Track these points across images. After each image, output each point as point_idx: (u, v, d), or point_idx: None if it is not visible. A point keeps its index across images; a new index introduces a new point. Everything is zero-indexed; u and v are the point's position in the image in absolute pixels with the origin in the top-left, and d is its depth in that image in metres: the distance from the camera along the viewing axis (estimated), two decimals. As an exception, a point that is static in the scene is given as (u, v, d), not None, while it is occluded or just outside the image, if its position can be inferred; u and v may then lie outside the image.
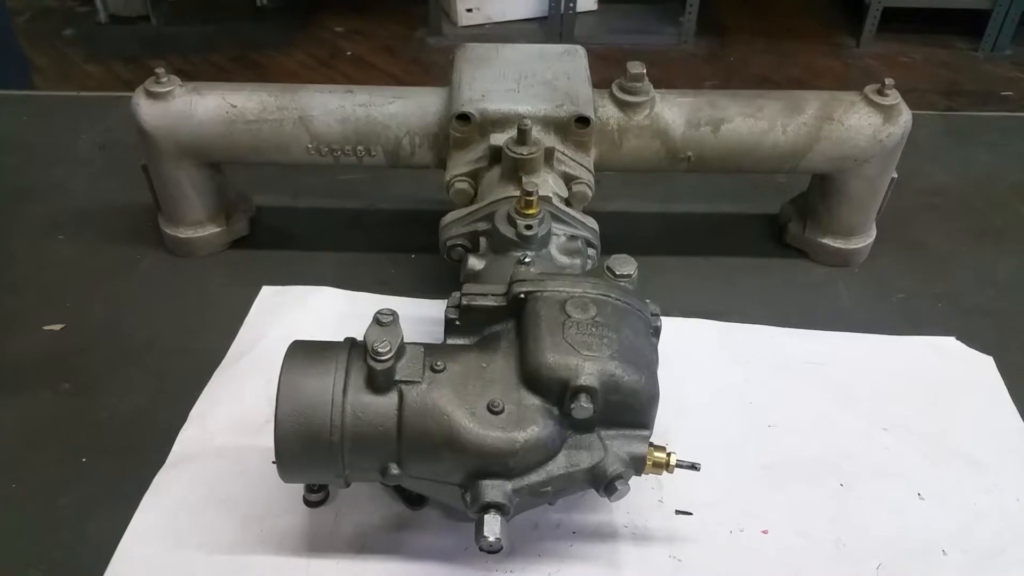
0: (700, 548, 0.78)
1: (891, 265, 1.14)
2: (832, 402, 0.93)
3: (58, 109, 1.44)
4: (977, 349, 1.01)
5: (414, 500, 0.79)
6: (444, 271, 0.95)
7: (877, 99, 1.01)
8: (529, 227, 0.82)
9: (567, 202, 0.94)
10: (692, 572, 0.76)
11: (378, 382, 0.68)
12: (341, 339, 0.97)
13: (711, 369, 0.97)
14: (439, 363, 0.70)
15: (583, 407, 0.66)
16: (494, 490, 0.67)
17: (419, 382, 0.68)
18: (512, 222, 0.83)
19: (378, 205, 1.23)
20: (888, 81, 1.01)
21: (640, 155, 1.02)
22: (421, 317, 1.02)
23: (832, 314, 1.07)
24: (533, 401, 0.68)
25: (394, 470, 0.69)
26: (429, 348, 0.71)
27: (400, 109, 1.01)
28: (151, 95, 0.99)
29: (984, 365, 0.99)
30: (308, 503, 0.79)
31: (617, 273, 0.76)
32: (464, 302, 0.75)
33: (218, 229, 1.11)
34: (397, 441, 0.68)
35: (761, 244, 1.18)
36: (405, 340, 0.70)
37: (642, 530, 0.79)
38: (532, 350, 0.69)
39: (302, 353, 0.71)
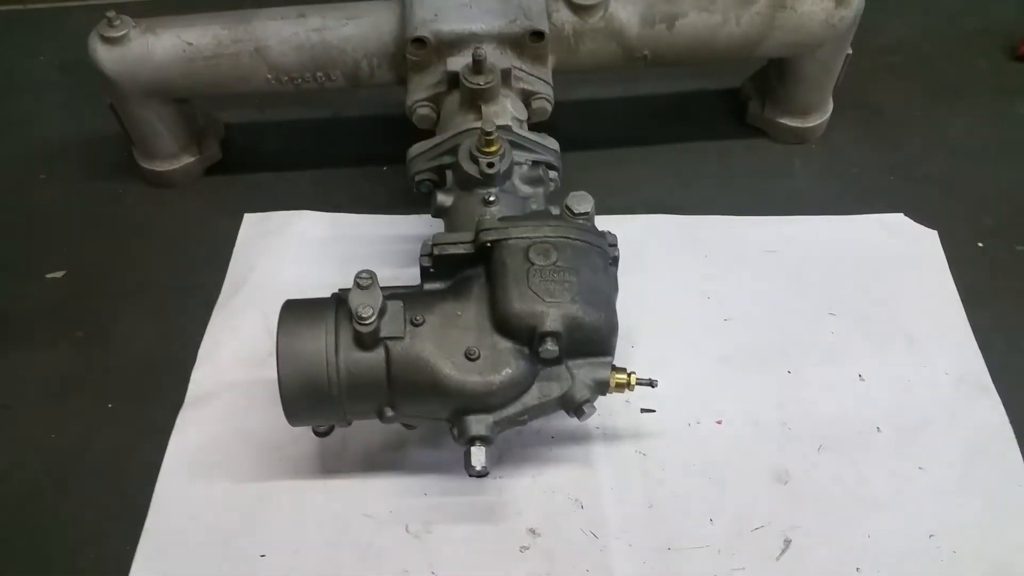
0: (662, 441, 0.89)
1: (846, 138, 1.18)
2: (784, 290, 1.01)
3: (9, 26, 1.40)
4: (925, 221, 1.08)
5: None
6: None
7: (830, -18, 1.01)
8: (491, 164, 0.86)
9: (529, 119, 0.97)
10: (655, 464, 0.87)
11: (365, 341, 0.75)
12: (326, 266, 1.05)
13: (672, 266, 1.03)
14: (418, 317, 0.77)
15: (549, 349, 0.74)
16: (477, 424, 0.76)
17: (402, 337, 0.76)
18: (475, 159, 0.86)
19: (344, 112, 1.24)
20: (842, -37, 1.00)
21: (597, 57, 1.04)
22: (397, 235, 1.08)
23: (789, 195, 1.12)
24: (505, 344, 0.76)
25: (388, 412, 0.78)
26: (408, 300, 0.78)
27: (355, 31, 1.01)
28: (106, 40, 0.99)
29: (929, 240, 1.05)
30: (317, 434, 0.88)
31: (575, 211, 0.81)
32: (436, 252, 0.80)
33: (192, 159, 1.14)
34: (388, 389, 0.76)
35: (723, 124, 1.21)
36: (385, 287, 0.76)
37: (612, 430, 0.90)
38: (501, 299, 0.76)
39: (294, 317, 0.78)
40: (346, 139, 1.21)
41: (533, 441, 0.89)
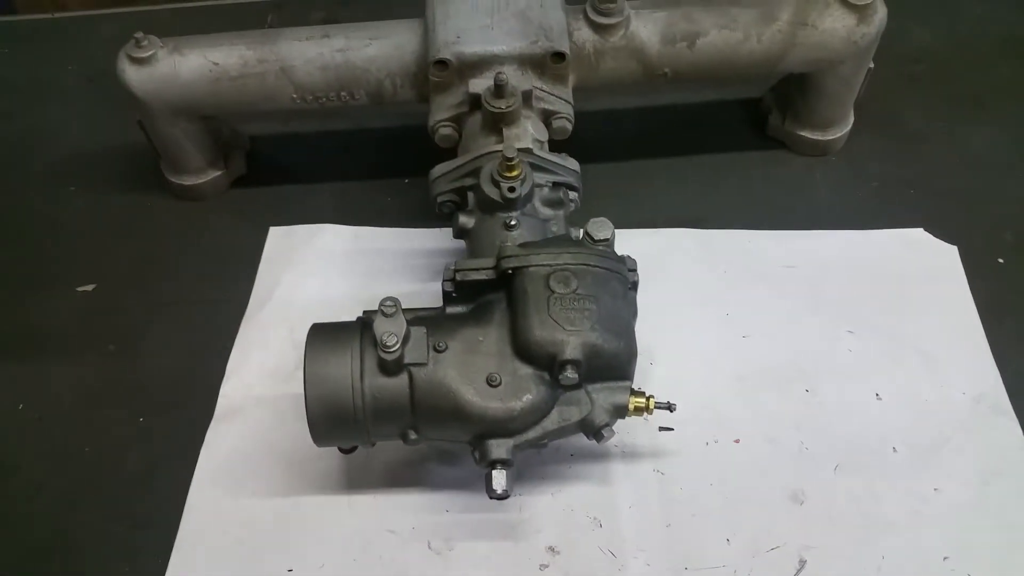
0: (680, 460, 0.90)
1: (867, 150, 1.18)
2: (803, 306, 1.02)
3: (38, 36, 1.43)
4: (945, 235, 1.08)
5: (432, 438, 0.91)
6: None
7: (852, -1, 1.01)
8: (512, 189, 0.87)
9: (549, 138, 0.98)
10: (674, 483, 0.89)
11: (389, 368, 0.77)
12: (350, 280, 1.07)
13: (691, 282, 1.04)
14: (441, 343, 0.78)
15: (569, 376, 0.76)
16: (498, 448, 0.78)
17: (425, 364, 0.77)
18: (496, 183, 0.88)
19: (366, 124, 1.25)
20: (864, -21, 1.00)
21: (618, 75, 1.04)
22: (419, 249, 1.10)
23: (809, 209, 1.12)
24: (526, 370, 0.78)
25: (412, 435, 0.80)
26: (431, 326, 0.80)
27: (378, 52, 1.02)
28: (134, 60, 1.01)
29: (948, 256, 1.06)
30: (342, 451, 0.91)
31: (596, 238, 0.82)
32: (458, 278, 0.82)
33: (219, 173, 1.16)
34: (412, 414, 0.78)
35: (743, 135, 1.21)
36: (408, 309, 0.79)
37: (630, 448, 0.91)
38: (521, 327, 0.77)
39: (320, 342, 0.80)
40: (369, 151, 1.23)
41: (552, 458, 0.91)
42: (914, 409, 0.93)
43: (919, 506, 0.86)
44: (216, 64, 1.01)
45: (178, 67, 1.01)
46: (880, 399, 0.94)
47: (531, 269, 0.80)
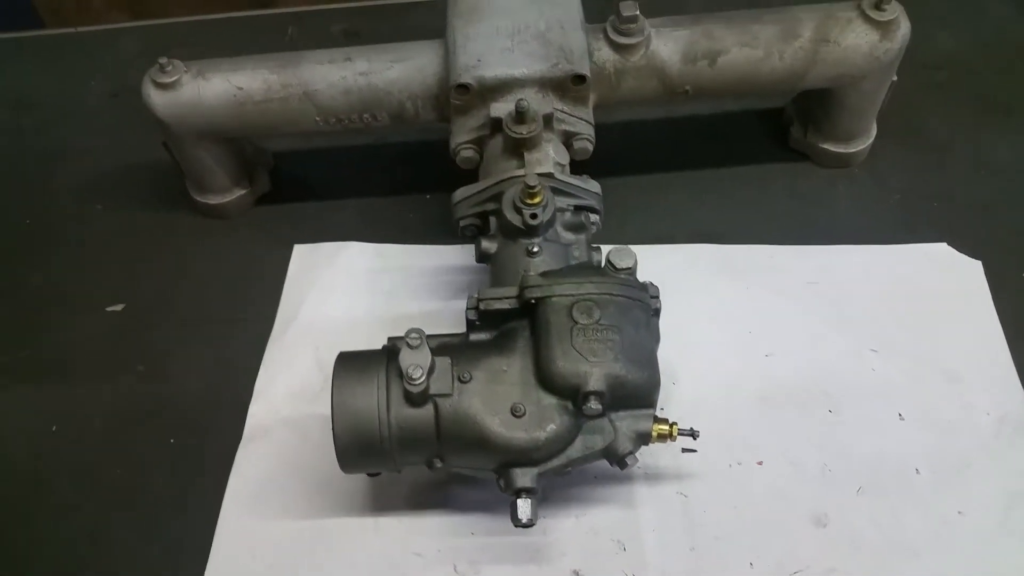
0: (703, 483, 0.91)
1: (890, 162, 1.17)
2: (825, 324, 1.01)
3: (60, 52, 1.44)
4: (969, 250, 1.07)
5: (457, 461, 0.92)
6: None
7: (874, 15, 1.00)
8: (534, 216, 0.87)
9: (571, 160, 0.99)
10: (697, 505, 0.90)
11: (415, 400, 0.78)
12: (374, 298, 1.08)
13: (713, 299, 1.04)
14: (466, 374, 0.79)
15: (592, 408, 0.77)
16: (523, 476, 0.79)
17: (450, 395, 0.79)
18: (518, 210, 0.88)
19: (388, 139, 1.26)
20: (888, -7, 0.99)
21: (638, 94, 1.04)
22: (442, 267, 1.11)
23: (831, 222, 1.12)
24: (550, 400, 0.79)
25: (438, 464, 0.81)
26: (455, 356, 0.81)
27: (400, 74, 1.02)
28: (159, 85, 1.02)
29: (972, 271, 1.05)
30: (369, 474, 0.92)
31: (618, 267, 0.83)
32: (482, 307, 0.83)
33: (244, 191, 1.17)
34: (437, 443, 0.80)
35: (765, 147, 1.21)
36: (432, 336, 0.80)
37: (653, 470, 0.92)
38: (545, 358, 0.78)
39: (347, 371, 0.81)
40: (390, 166, 1.24)
41: (577, 481, 0.92)
42: (937, 430, 0.93)
43: (942, 530, 0.86)
44: (240, 89, 1.02)
45: (202, 92, 1.02)
46: (903, 420, 0.94)
47: (554, 299, 0.80)
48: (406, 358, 0.78)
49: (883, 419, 0.94)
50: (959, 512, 0.87)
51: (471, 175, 1.01)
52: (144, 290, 1.13)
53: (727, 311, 1.04)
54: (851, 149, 1.14)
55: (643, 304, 0.83)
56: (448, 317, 1.05)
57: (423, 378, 0.77)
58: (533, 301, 0.81)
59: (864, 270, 1.06)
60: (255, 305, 1.09)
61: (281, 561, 0.89)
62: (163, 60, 1.02)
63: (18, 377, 1.05)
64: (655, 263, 1.06)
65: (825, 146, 1.15)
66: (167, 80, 1.02)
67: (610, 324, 0.79)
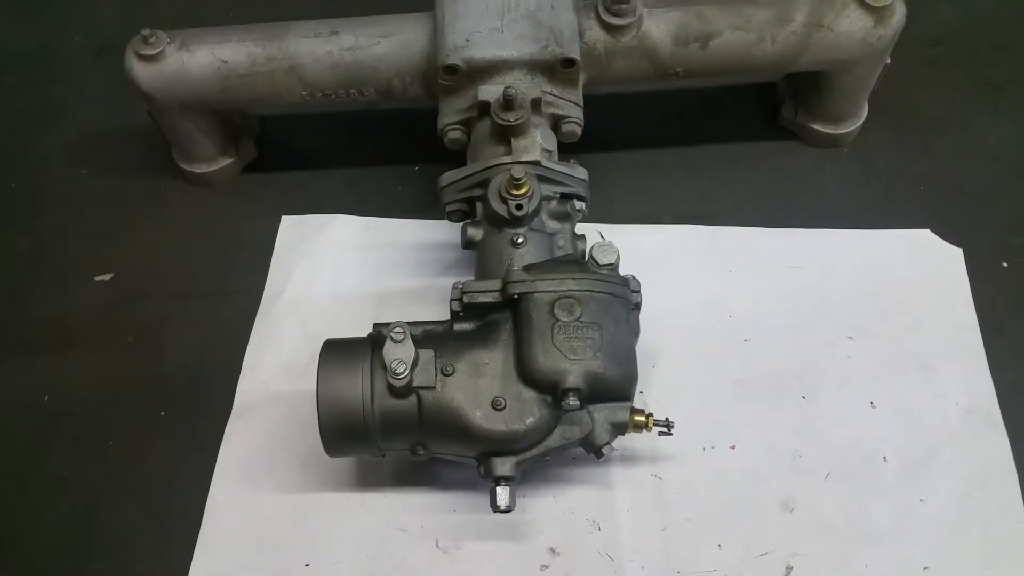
0: (678, 465, 0.94)
1: (879, 142, 1.17)
2: (806, 310, 1.03)
3: (41, 4, 1.41)
4: (951, 236, 1.08)
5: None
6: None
7: (870, 0, 0.98)
8: (519, 207, 0.88)
9: (558, 142, 0.98)
10: (671, 487, 0.93)
11: (399, 392, 0.80)
12: (360, 273, 1.09)
13: (696, 281, 1.06)
14: (448, 367, 0.81)
15: (571, 403, 0.79)
16: (502, 465, 0.82)
17: (433, 387, 0.81)
18: (504, 200, 0.89)
19: (377, 105, 1.24)
20: (884, -20, 0.98)
21: (628, 74, 1.03)
22: (428, 243, 1.12)
23: (818, 203, 1.13)
24: (529, 394, 0.81)
25: (420, 451, 0.84)
26: (439, 348, 0.82)
27: (387, 50, 1.01)
28: (142, 57, 1.01)
29: (953, 258, 1.06)
30: (354, 453, 0.95)
31: (600, 263, 0.84)
32: (466, 300, 0.84)
33: (230, 160, 1.16)
34: (420, 431, 0.82)
35: (754, 125, 1.20)
36: (416, 323, 0.84)
37: (630, 451, 0.95)
38: (526, 354, 0.80)
39: (332, 361, 0.83)
40: (378, 135, 1.23)
41: (554, 462, 0.94)
42: (907, 419, 0.96)
43: (904, 517, 0.90)
44: (225, 62, 1.01)
45: (186, 64, 1.01)
46: (875, 408, 0.96)
47: (536, 295, 0.82)
48: (390, 352, 0.80)
49: (855, 406, 0.97)
50: (921, 500, 0.91)
51: (459, 152, 1.01)
52: (132, 259, 1.13)
53: (709, 294, 1.05)
54: (841, 130, 1.14)
55: (624, 300, 0.84)
56: (435, 294, 1.06)
57: (406, 373, 0.79)
58: (516, 296, 0.82)
59: (847, 255, 1.07)
60: (243, 276, 1.10)
61: (270, 535, 0.92)
62: (146, 32, 1.00)
63: (8, 345, 1.07)
64: (640, 244, 1.08)
65: (815, 126, 1.14)
66: (150, 52, 1.00)
67: (590, 321, 0.80)
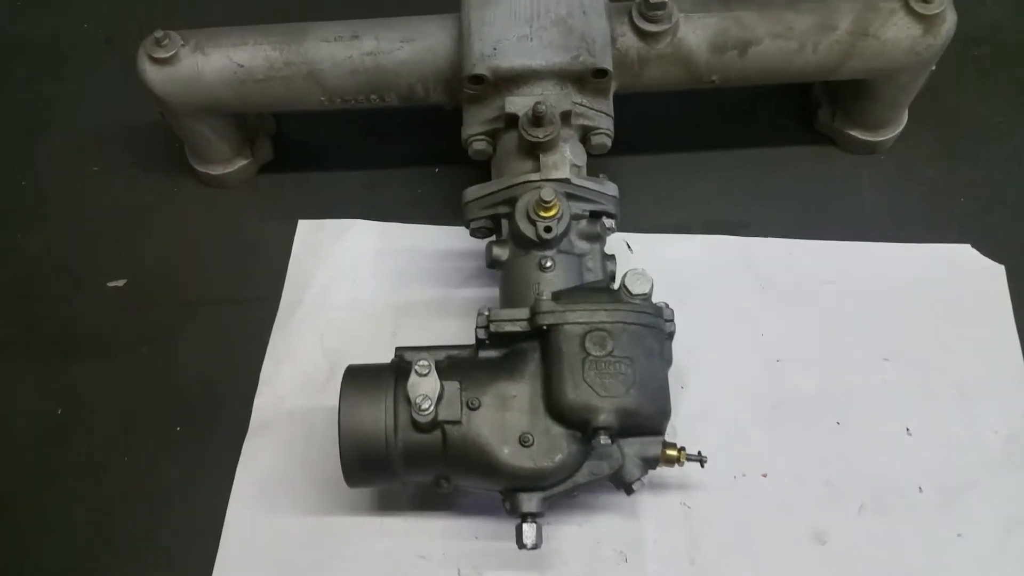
0: (707, 494, 0.91)
1: (919, 149, 1.12)
2: (840, 328, 1.00)
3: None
4: (992, 251, 1.04)
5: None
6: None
7: (919, 7, 0.93)
8: (548, 229, 0.84)
9: (588, 155, 0.94)
10: (699, 517, 0.90)
11: (423, 427, 0.77)
12: (379, 281, 1.06)
13: (727, 297, 1.02)
14: (474, 400, 0.78)
15: (602, 442, 0.76)
16: (529, 501, 0.80)
17: (459, 422, 0.78)
18: (532, 221, 0.85)
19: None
20: (936, -13, 0.92)
21: (661, 82, 0.99)
22: (448, 251, 1.08)
23: (854, 213, 1.09)
24: (558, 430, 0.78)
25: (444, 484, 0.82)
26: (464, 379, 0.79)
27: (410, 55, 0.97)
28: (155, 60, 0.97)
29: (995, 277, 1.02)
30: (374, 476, 0.93)
31: (633, 292, 0.80)
32: (493, 329, 0.81)
33: (245, 161, 1.13)
34: (444, 465, 0.80)
35: (789, 128, 1.16)
36: (439, 347, 0.82)
37: (658, 479, 0.92)
38: (555, 389, 0.77)
39: (355, 390, 0.80)
40: (398, 134, 1.18)
41: (581, 488, 0.92)
42: (944, 447, 0.93)
43: (939, 552, 0.87)
44: (241, 66, 0.97)
45: (201, 68, 0.97)
46: (910, 435, 0.94)
47: (567, 327, 0.78)
48: (415, 387, 0.77)
49: (890, 433, 0.94)
50: (958, 535, 0.88)
51: (483, 161, 0.97)
52: (146, 264, 1.10)
53: (740, 311, 1.02)
54: (880, 137, 1.09)
55: (657, 331, 0.81)
56: (456, 305, 1.03)
57: (431, 409, 0.76)
58: (545, 328, 0.79)
59: (883, 270, 1.03)
60: (259, 284, 1.07)
61: (287, 558, 0.90)
62: (159, 34, 0.96)
63: (19, 354, 1.05)
64: (671, 254, 1.05)
65: (853, 132, 1.10)
66: (163, 55, 0.96)
67: (623, 356, 0.77)
